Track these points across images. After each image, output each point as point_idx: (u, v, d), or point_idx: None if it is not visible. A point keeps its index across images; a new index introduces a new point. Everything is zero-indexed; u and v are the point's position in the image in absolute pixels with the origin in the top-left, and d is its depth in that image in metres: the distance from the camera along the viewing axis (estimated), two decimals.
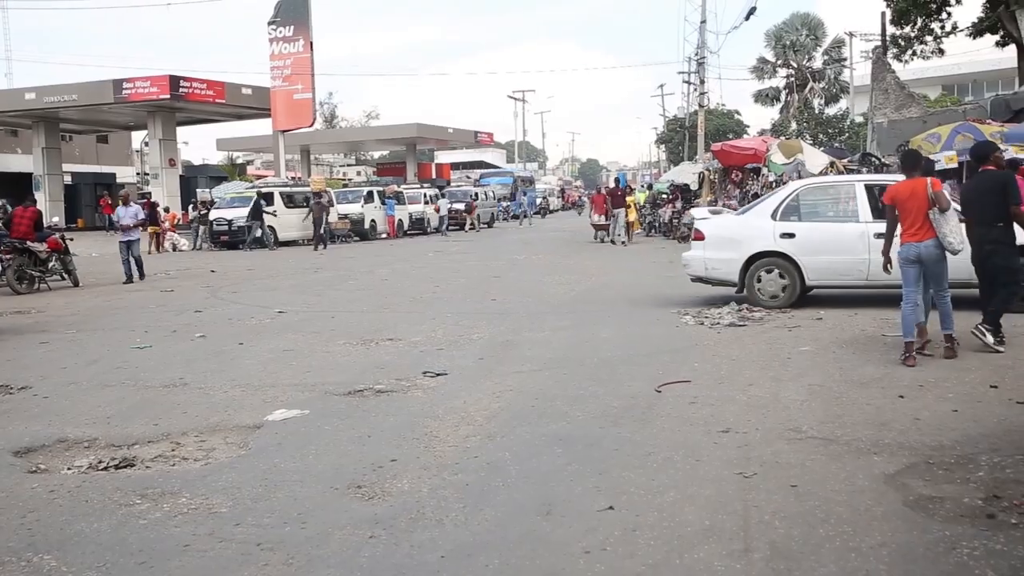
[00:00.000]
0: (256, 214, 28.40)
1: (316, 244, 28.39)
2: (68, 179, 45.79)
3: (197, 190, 39.87)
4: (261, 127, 46.87)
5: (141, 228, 19.95)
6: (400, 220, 35.32)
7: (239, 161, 67.63)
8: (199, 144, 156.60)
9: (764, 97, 56.87)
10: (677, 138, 61.15)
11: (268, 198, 30.14)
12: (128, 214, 18.57)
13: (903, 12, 23.84)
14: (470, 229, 38.86)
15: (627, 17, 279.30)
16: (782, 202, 11.39)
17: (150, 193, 40.59)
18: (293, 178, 44.23)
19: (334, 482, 4.94)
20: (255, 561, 3.89)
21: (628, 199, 27.89)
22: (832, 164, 20.98)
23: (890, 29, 25.93)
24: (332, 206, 31.30)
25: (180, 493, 4.82)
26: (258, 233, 28.28)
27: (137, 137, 54.74)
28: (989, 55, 35.39)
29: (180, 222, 33.26)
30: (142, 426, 6.32)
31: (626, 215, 27.06)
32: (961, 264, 8.31)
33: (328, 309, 12.76)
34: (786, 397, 6.58)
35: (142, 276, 18.29)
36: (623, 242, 26.24)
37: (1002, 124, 18.36)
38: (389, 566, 3.81)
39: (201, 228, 30.48)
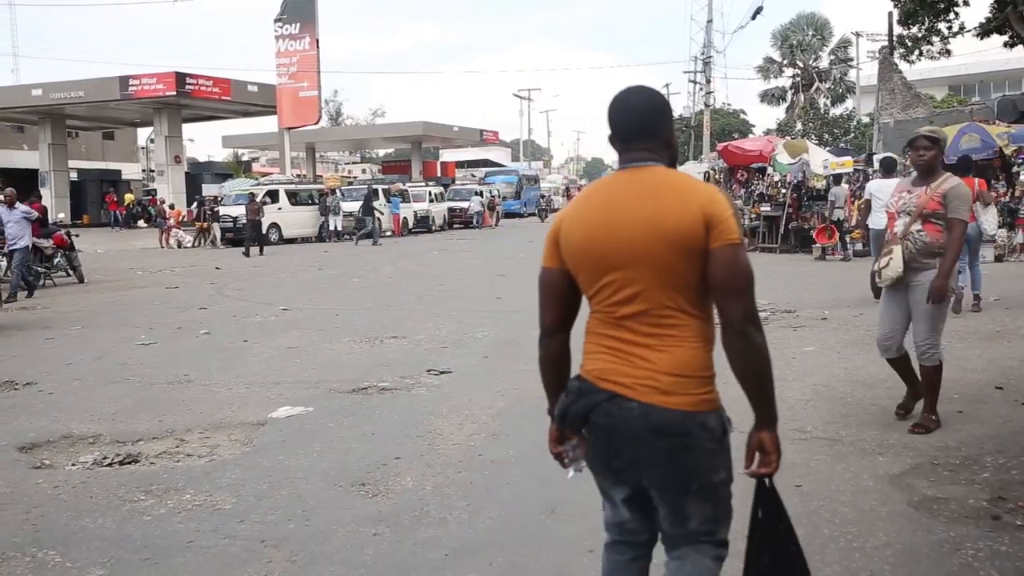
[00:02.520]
0: (368, 209, 28.70)
1: (247, 248, 24.91)
2: (74, 175, 45.88)
3: (203, 186, 39.84)
4: (267, 124, 46.99)
5: (30, 234, 15.13)
6: (405, 218, 35.34)
7: (244, 158, 67.69)
8: (204, 141, 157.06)
9: (770, 97, 56.78)
10: (683, 137, 60.97)
11: (273, 195, 30.23)
12: (13, 217, 14.81)
13: (910, 12, 23.70)
14: (485, 226, 39.46)
15: (634, 17, 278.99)
16: None
17: (155, 190, 40.68)
18: (298, 175, 44.28)
19: (338, 479, 4.94)
20: (259, 558, 3.90)
21: None
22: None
23: (897, 29, 25.85)
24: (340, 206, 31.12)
25: (184, 489, 4.83)
26: (368, 227, 28.46)
27: (143, 134, 54.90)
28: (996, 55, 35.25)
29: (185, 219, 33.28)
30: (147, 422, 6.34)
31: None
32: None
33: (333, 307, 12.77)
34: (791, 397, 6.56)
35: (29, 293, 15.13)
36: None
37: (1008, 125, 18.32)
38: (392, 564, 3.82)
39: (216, 227, 30.44)
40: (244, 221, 28.89)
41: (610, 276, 2.40)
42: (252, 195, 27.84)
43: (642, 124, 2.46)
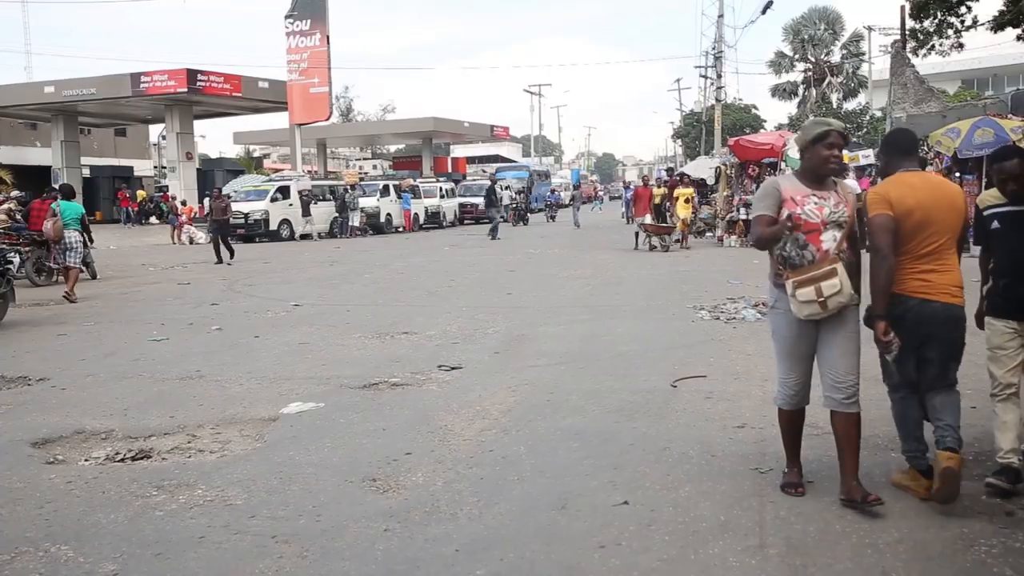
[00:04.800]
0: (491, 202, 29.25)
1: (218, 255, 20.76)
2: (86, 172, 46.04)
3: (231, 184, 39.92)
4: (278, 121, 47.01)
5: None
6: (416, 214, 35.39)
7: (256, 154, 67.88)
8: (216, 137, 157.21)
9: (781, 91, 56.60)
10: (694, 133, 60.96)
11: (285, 191, 30.30)
12: None
13: (922, 6, 23.58)
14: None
15: (644, 13, 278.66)
16: None
17: (167, 187, 40.81)
18: (309, 171, 44.34)
19: (349, 475, 4.94)
20: (270, 553, 3.90)
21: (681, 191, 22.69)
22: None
23: (909, 23, 25.70)
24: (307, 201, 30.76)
25: (196, 485, 4.84)
26: (497, 220, 28.65)
27: (155, 130, 54.99)
28: (1010, 49, 35.02)
29: (197, 215, 33.37)
30: (158, 418, 6.36)
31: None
32: None
33: (343, 302, 12.79)
34: None
35: None
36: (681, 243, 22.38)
37: (1023, 119, 18.19)
38: (403, 559, 3.82)
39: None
40: (258, 217, 28.97)
41: (924, 232, 4.22)
42: (218, 190, 24.56)
43: (912, 147, 4.54)
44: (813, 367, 4.51)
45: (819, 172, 4.35)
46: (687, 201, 22.28)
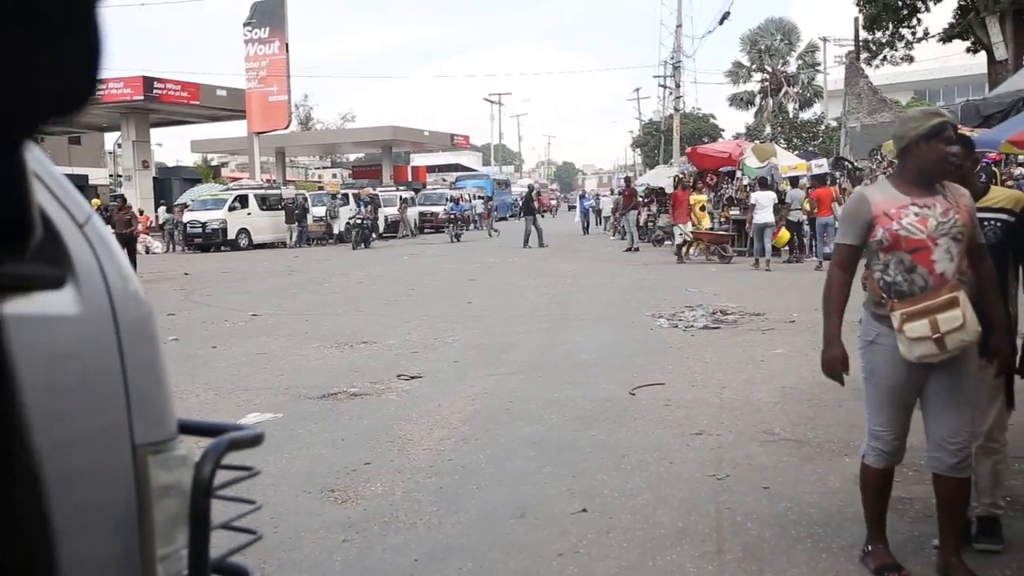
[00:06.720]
0: (529, 209, 28.42)
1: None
2: None
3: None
4: (236, 129, 46.55)
5: None
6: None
7: (214, 163, 67.18)
8: (173, 145, 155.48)
9: (739, 101, 57.32)
10: (653, 142, 61.38)
11: (243, 200, 30.08)
12: None
13: (875, 18, 24.09)
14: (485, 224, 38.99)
15: (604, 22, 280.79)
16: None
17: (123, 195, 40.25)
18: (268, 180, 44.00)
19: (307, 486, 4.91)
20: None
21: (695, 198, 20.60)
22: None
23: (862, 34, 26.18)
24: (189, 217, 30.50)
25: None
26: (531, 229, 27.46)
27: (110, 138, 54.18)
28: (960, 61, 35.80)
29: (153, 224, 32.97)
30: None
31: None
32: None
33: (302, 312, 12.70)
34: (759, 399, 6.62)
35: None
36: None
37: (972, 129, 18.57)
38: (362, 570, 3.80)
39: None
40: (216, 227, 28.70)
41: None
42: (122, 199, 22.23)
43: None
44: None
45: (932, 174, 3.50)
46: (703, 208, 20.64)
